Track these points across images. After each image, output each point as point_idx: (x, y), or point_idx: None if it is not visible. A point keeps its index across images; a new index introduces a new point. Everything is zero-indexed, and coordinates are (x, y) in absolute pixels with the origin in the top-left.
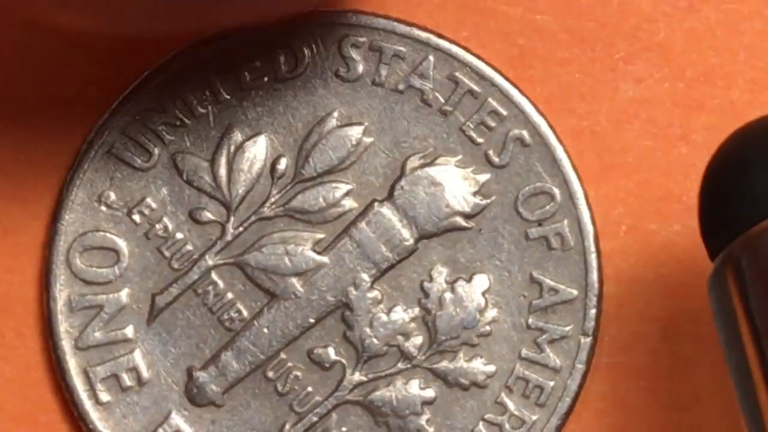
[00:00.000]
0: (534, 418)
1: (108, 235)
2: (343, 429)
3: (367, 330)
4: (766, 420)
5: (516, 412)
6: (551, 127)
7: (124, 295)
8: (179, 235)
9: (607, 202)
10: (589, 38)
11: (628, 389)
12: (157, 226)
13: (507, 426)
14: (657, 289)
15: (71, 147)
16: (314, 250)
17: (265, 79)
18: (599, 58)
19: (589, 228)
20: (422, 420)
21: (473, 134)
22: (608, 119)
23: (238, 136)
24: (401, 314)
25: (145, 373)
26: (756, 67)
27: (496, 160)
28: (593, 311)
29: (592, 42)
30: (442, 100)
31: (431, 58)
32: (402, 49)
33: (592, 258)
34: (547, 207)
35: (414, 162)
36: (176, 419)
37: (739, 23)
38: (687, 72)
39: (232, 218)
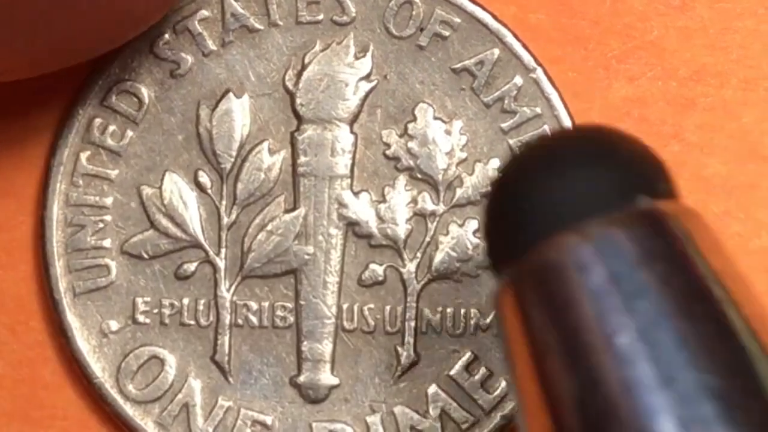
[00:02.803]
0: None
1: None
2: (437, 308)
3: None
4: None
5: None
6: None
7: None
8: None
9: None
10: (582, 37)
11: None
12: None
13: None
14: None
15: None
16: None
17: None
18: (592, 56)
19: None
20: None
21: None
22: (601, 117)
23: None
24: None
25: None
26: (749, 66)
27: None
28: None
29: (584, 41)
30: None
31: None
32: None
33: None
34: None
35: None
36: None
37: (732, 22)
38: (680, 70)
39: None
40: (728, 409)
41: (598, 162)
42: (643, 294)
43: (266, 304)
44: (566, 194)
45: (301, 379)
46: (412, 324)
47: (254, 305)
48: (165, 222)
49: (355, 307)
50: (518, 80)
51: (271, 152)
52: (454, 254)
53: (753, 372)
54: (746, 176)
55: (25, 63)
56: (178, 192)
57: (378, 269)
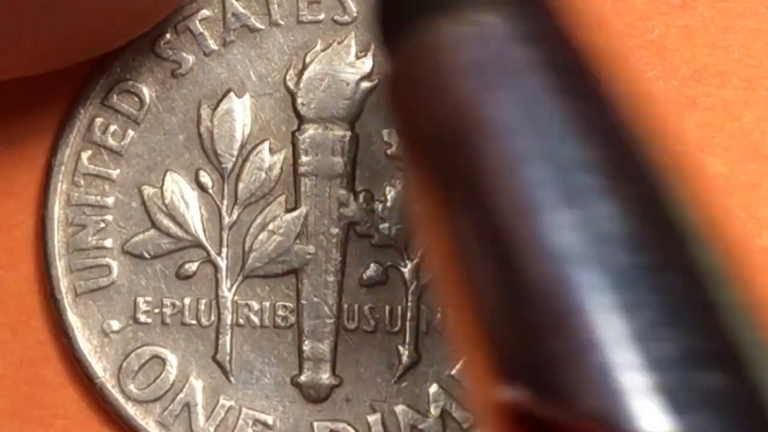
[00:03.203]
0: None
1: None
2: (438, 308)
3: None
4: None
5: None
6: None
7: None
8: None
9: None
10: None
11: None
12: None
13: None
14: None
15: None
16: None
17: None
18: None
19: None
20: None
21: None
22: None
23: None
24: None
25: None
26: (750, 65)
27: None
28: None
29: None
30: None
31: None
32: None
33: None
34: None
35: None
36: None
37: (734, 21)
38: (681, 70)
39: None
40: (608, 180)
41: None
42: (522, 71)
43: (267, 303)
44: None
45: (303, 378)
46: (414, 323)
47: (255, 305)
48: (166, 222)
49: (356, 307)
50: None
51: (272, 152)
52: None
53: (631, 146)
54: (747, 176)
55: (30, 60)
56: (180, 192)
57: (379, 269)
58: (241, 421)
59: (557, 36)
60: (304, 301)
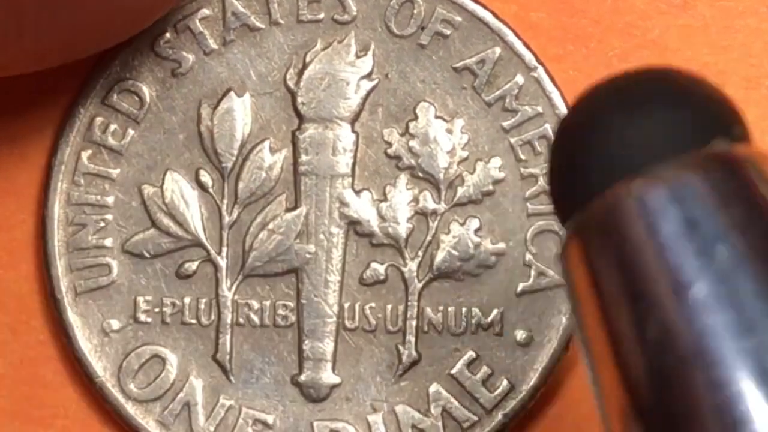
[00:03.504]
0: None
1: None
2: (438, 307)
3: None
4: (605, 401)
5: None
6: None
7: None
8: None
9: None
10: (583, 35)
11: None
12: None
13: None
14: None
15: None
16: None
17: None
18: (593, 55)
19: None
20: None
21: None
22: None
23: None
24: None
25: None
26: (750, 64)
27: None
28: None
29: (586, 39)
30: None
31: None
32: None
33: None
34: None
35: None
36: None
37: (734, 20)
38: None
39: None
40: None
41: (672, 104)
42: (722, 239)
43: (267, 303)
44: (637, 137)
45: (303, 378)
46: (414, 323)
47: (255, 304)
48: (166, 221)
49: (357, 306)
50: (519, 79)
51: (273, 151)
52: (455, 253)
53: None
54: None
55: (30, 57)
56: (180, 191)
57: (379, 268)
58: (241, 421)
59: (756, 200)
60: (304, 301)
